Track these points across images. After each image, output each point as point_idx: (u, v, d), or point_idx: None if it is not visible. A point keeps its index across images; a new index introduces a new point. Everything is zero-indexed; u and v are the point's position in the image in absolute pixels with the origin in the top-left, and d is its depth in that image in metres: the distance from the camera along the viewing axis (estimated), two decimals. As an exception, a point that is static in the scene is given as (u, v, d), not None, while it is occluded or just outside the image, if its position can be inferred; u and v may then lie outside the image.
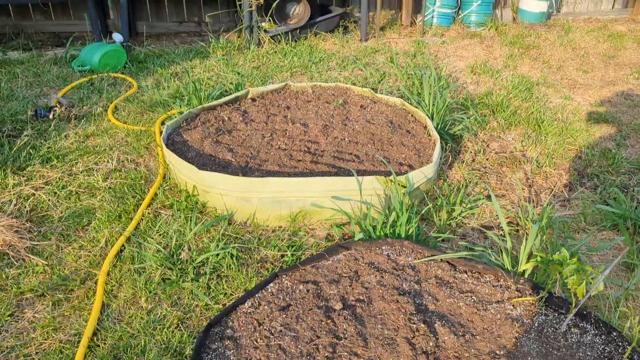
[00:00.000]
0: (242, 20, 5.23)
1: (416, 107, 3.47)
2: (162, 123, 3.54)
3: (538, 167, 3.14)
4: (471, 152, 3.29)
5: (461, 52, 5.30)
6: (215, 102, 3.48)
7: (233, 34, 5.58)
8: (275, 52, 5.07)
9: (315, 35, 5.51)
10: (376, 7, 5.68)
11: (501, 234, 2.52)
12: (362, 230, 2.32)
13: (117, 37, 4.81)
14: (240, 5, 5.21)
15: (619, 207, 2.57)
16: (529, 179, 3.04)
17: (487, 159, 3.24)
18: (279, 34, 5.27)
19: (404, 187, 2.57)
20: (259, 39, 5.23)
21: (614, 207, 2.58)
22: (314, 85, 3.90)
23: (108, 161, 3.07)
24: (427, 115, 3.36)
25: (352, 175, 2.71)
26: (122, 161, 3.10)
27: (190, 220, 2.51)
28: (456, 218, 2.59)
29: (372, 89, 4.15)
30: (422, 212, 2.61)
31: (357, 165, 2.92)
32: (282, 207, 2.56)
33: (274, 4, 5.17)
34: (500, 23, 6.15)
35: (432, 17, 5.97)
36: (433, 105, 3.38)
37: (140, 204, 2.70)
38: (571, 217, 2.67)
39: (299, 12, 5.54)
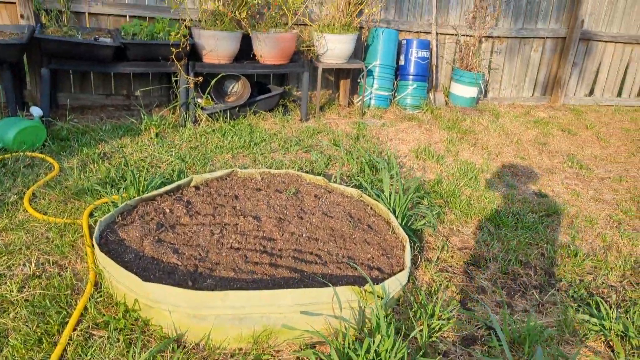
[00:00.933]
0: (176, 96, 4.92)
1: (376, 200, 3.28)
2: (91, 214, 3.09)
3: (505, 265, 3.01)
4: (434, 248, 3.11)
5: (402, 135, 5.28)
6: (154, 192, 3.10)
7: (167, 111, 5.24)
8: (214, 130, 4.78)
9: (255, 114, 5.29)
10: (315, 87, 5.61)
11: (485, 350, 2.30)
12: (340, 357, 2.00)
13: (36, 111, 4.32)
14: (176, 81, 4.92)
15: (601, 316, 2.44)
16: (498, 279, 2.89)
17: (451, 257, 3.07)
18: (217, 112, 5.00)
19: (381, 298, 2.30)
20: (196, 116, 4.93)
21: (596, 317, 2.45)
22: (263, 172, 3.63)
23: (24, 264, 2.57)
24: (389, 209, 3.17)
25: (318, 281, 2.41)
26: (43, 264, 2.61)
27: (133, 346, 2.07)
28: (437, 332, 2.34)
29: (323, 175, 3.94)
30: (401, 327, 2.34)
31: (321, 268, 2.62)
32: (243, 325, 2.19)
33: (213, 82, 4.93)
34: (435, 106, 6.28)
35: (370, 98, 5.98)
36: (394, 198, 3.20)
37: (67, 322, 2.22)
38: (550, 326, 2.51)
39: (238, 90, 5.34)
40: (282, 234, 2.91)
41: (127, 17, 5.15)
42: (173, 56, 4.60)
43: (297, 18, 5.42)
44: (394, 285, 2.41)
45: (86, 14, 4.99)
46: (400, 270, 2.62)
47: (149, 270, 2.46)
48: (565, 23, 7.07)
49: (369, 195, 3.42)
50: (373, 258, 2.76)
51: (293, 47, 5.09)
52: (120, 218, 2.84)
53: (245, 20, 4.83)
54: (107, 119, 4.96)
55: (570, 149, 5.42)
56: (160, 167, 3.94)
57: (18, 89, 4.72)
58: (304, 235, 2.93)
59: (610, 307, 2.63)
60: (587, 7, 6.90)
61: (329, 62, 5.44)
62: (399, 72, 6.17)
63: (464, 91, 6.43)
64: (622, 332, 2.40)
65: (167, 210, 3.00)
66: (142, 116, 4.76)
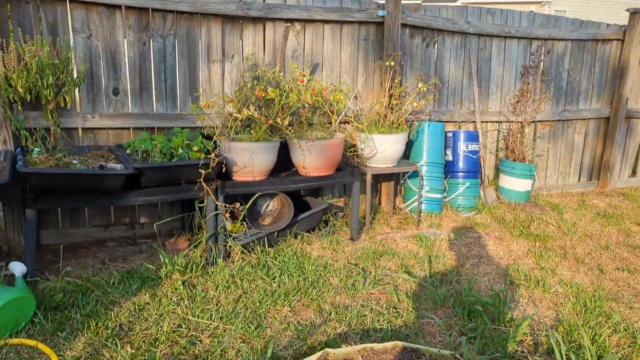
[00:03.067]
0: (192, 219, 3.85)
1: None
2: None
3: None
4: None
5: (477, 250, 4.30)
6: None
7: (183, 240, 4.12)
8: (253, 267, 3.68)
9: (296, 237, 4.24)
10: (365, 195, 4.63)
11: None
12: None
13: (17, 268, 3.16)
14: (200, 207, 3.86)
15: None
16: None
17: None
18: (253, 241, 3.93)
19: None
20: (227, 249, 3.84)
21: None
22: (363, 349, 2.52)
23: None
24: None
25: None
26: None
27: None
28: None
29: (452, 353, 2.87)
30: None
31: None
32: None
33: (248, 204, 3.88)
34: (489, 205, 5.38)
35: (420, 202, 5.03)
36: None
37: None
38: None
39: (274, 209, 4.30)
40: None
41: (131, 129, 4.13)
42: (202, 179, 3.56)
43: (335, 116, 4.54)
44: None
45: (79, 129, 3.95)
46: None
47: None
48: (606, 102, 6.45)
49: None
50: None
51: (340, 154, 4.15)
52: None
53: (286, 126, 3.88)
54: (110, 261, 3.80)
55: (671, 250, 4.55)
56: (201, 341, 2.80)
57: (-9, 234, 3.56)
58: None
59: None
60: (629, 83, 6.33)
61: (378, 167, 4.51)
62: (447, 169, 5.29)
63: (517, 184, 5.58)
64: None
65: None
66: (160, 255, 3.63)
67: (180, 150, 3.72)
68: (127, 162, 3.48)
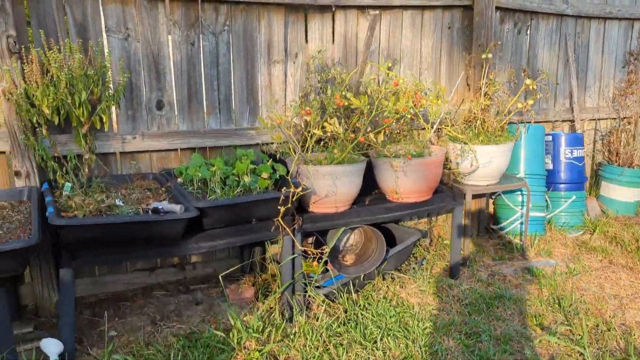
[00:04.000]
0: (251, 255, 3.07)
1: None
2: None
3: None
4: None
5: (609, 287, 3.46)
6: None
7: (247, 286, 3.34)
8: (341, 323, 2.90)
9: (384, 277, 3.43)
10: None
11: None
12: None
13: (51, 347, 2.40)
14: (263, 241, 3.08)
15: None
16: None
17: None
18: (337, 288, 3.14)
19: None
20: (307, 300, 3.05)
21: None
22: None
23: None
24: None
25: None
26: None
27: None
28: None
29: None
30: None
31: None
32: None
33: (332, 242, 3.08)
34: (594, 220, 4.52)
35: (521, 222, 4.18)
36: None
37: None
38: None
39: (355, 243, 3.50)
40: None
41: (179, 151, 3.34)
42: (279, 218, 2.77)
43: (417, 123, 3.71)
44: None
45: (117, 154, 3.17)
46: None
47: None
48: None
49: None
50: None
51: (441, 173, 3.32)
52: None
53: (381, 143, 3.06)
54: (162, 320, 3.03)
55: None
56: None
57: (11, 295, 2.81)
58: None
59: None
60: None
61: (478, 185, 3.67)
62: (547, 181, 4.43)
63: (625, 194, 4.71)
64: None
65: None
66: (220, 306, 2.85)
67: (247, 179, 2.92)
68: (184, 197, 2.69)
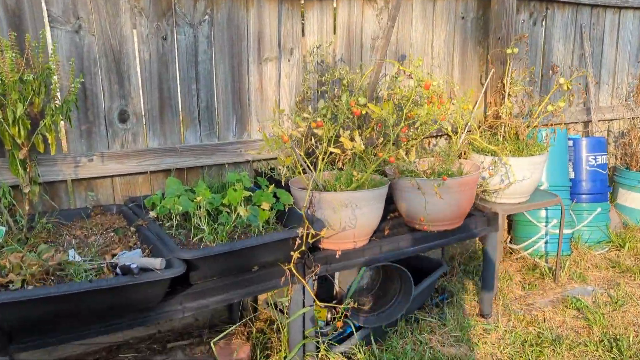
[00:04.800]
0: (257, 305, 2.42)
1: None
2: None
3: None
4: None
5: (662, 319, 2.98)
6: None
7: (240, 341, 2.67)
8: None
9: (407, 321, 2.83)
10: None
11: None
12: None
13: None
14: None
15: None
16: None
17: None
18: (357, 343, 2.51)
19: None
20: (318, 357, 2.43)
21: None
22: None
23: None
24: None
25: None
26: None
27: None
28: None
29: None
30: None
31: None
32: None
33: (349, 292, 2.46)
34: (620, 233, 4.07)
35: (545, 242, 3.67)
36: None
37: None
38: None
39: (371, 282, 2.88)
40: None
41: (149, 174, 2.63)
42: (292, 266, 2.12)
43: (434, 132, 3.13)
44: None
45: (68, 182, 2.43)
46: None
47: None
48: None
49: None
50: None
51: (474, 194, 2.74)
52: None
53: (409, 162, 2.45)
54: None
55: None
56: None
57: None
58: None
59: None
60: None
61: (509, 203, 3.12)
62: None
63: (646, 202, 4.28)
64: None
65: None
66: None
67: (243, 212, 2.25)
68: (162, 242, 2.01)
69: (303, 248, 2.10)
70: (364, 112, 2.46)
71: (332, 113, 2.52)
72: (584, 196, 3.93)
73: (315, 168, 2.45)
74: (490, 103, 3.45)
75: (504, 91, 3.31)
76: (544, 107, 3.23)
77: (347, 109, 2.46)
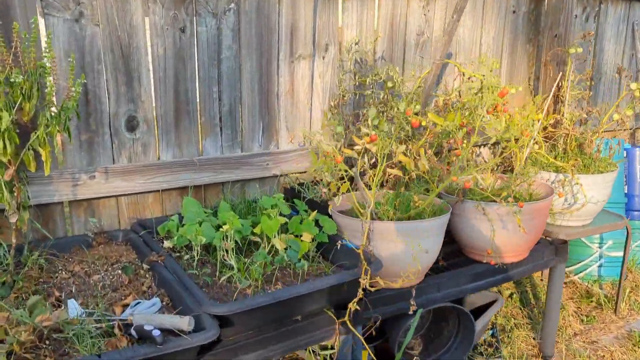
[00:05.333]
0: None
1: None
2: None
3: None
4: None
5: None
6: None
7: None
8: None
9: (461, 366, 2.42)
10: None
11: None
12: None
13: None
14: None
15: None
16: None
17: None
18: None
19: None
20: None
21: None
22: None
23: None
24: None
25: None
26: None
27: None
28: None
29: None
30: None
31: None
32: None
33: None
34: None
35: (599, 265, 3.28)
36: None
37: None
38: None
39: (418, 324, 2.47)
40: None
41: (161, 192, 2.20)
42: (347, 319, 1.70)
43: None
44: None
45: (64, 205, 2.00)
46: None
47: None
48: None
49: None
50: None
51: (546, 220, 2.34)
52: None
53: (486, 188, 2.04)
54: None
55: None
56: None
57: None
58: None
59: None
60: None
61: (573, 227, 2.71)
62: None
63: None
64: None
65: None
66: None
67: (280, 245, 1.84)
68: (183, 286, 1.59)
69: (361, 296, 1.69)
70: (424, 124, 2.04)
71: (387, 124, 2.08)
72: (636, 213, 3.54)
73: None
74: (548, 110, 3.04)
75: (564, 96, 2.91)
76: (610, 116, 2.83)
77: (403, 119, 2.04)
